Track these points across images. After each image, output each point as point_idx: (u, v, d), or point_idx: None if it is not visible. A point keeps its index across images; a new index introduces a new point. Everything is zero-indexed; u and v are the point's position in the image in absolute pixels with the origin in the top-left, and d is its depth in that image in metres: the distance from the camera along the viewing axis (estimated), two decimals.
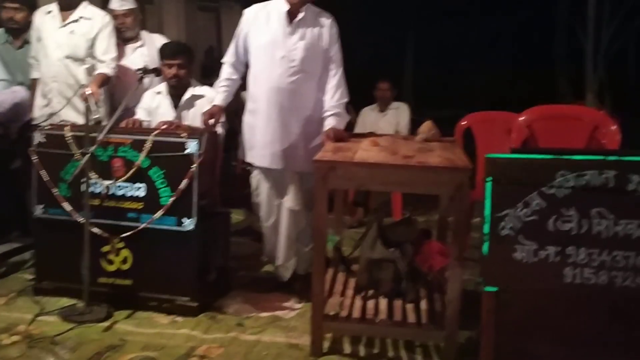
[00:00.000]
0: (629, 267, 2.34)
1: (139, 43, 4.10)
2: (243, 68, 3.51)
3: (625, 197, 2.31)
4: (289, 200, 3.42)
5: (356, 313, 2.93)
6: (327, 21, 3.36)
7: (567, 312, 2.41)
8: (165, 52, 3.63)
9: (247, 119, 3.50)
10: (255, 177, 3.52)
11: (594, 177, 2.33)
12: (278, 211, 3.48)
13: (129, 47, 4.08)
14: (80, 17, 3.77)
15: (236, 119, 6.28)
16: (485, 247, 2.44)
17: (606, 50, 5.87)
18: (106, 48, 3.78)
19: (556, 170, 2.35)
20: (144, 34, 4.22)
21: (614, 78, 6.08)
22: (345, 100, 3.44)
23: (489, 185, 2.39)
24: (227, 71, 3.49)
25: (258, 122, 3.40)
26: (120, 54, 4.00)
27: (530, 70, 10.78)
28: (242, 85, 3.64)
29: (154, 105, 3.67)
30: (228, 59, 3.49)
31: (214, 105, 3.43)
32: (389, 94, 5.36)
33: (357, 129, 5.20)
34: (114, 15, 3.98)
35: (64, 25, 3.76)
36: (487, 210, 2.41)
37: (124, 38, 4.06)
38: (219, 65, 3.60)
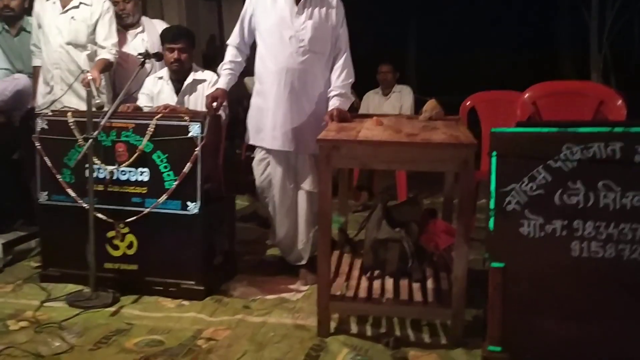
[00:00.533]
0: (637, 239, 2.33)
1: (139, 29, 4.09)
2: (248, 51, 3.48)
3: (632, 169, 2.29)
4: (307, 183, 3.39)
5: (362, 293, 2.92)
6: (333, 1, 3.34)
7: (575, 286, 2.40)
8: (166, 36, 3.62)
9: (255, 101, 3.47)
10: (263, 162, 3.47)
11: (601, 150, 2.31)
12: (293, 195, 3.46)
13: (130, 33, 4.08)
14: (81, 3, 3.75)
15: (239, 107, 6.29)
16: (491, 223, 2.43)
17: (610, 28, 5.82)
18: (107, 34, 3.77)
19: (562, 144, 2.33)
20: (145, 19, 4.21)
21: (619, 56, 6.03)
22: (351, 80, 3.41)
23: (494, 160, 2.37)
24: (231, 53, 3.46)
25: (267, 104, 3.36)
26: (122, 40, 4.00)
27: (534, 51, 10.71)
28: (245, 72, 3.62)
29: (155, 91, 3.66)
30: (232, 41, 3.46)
31: (217, 89, 3.41)
32: (390, 76, 5.32)
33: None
34: (115, 1, 3.97)
35: (65, 12, 3.74)
36: (493, 185, 2.40)
37: (124, 24, 4.05)
38: (221, 54, 3.58)
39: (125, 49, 4.01)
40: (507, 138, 2.38)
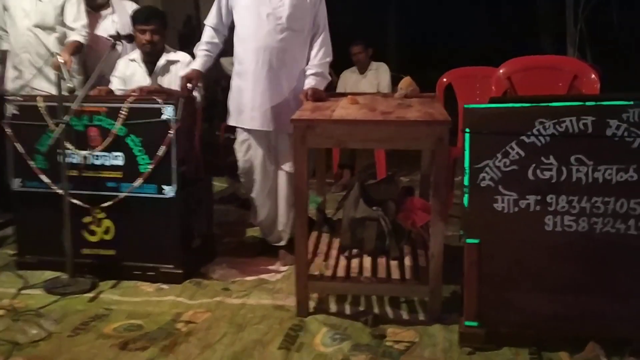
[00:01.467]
0: (609, 212, 2.35)
1: (109, 10, 4.01)
2: (226, 32, 3.43)
3: (604, 143, 2.31)
4: (287, 164, 3.37)
5: (341, 272, 2.93)
6: None
7: (549, 260, 2.42)
8: (137, 17, 3.54)
9: (235, 82, 3.42)
10: (245, 143, 3.44)
11: (573, 124, 2.31)
12: (274, 176, 3.44)
13: (100, 15, 4.00)
14: None
15: (218, 88, 6.22)
16: (465, 199, 2.44)
17: (586, 2, 5.82)
18: (76, 15, 3.70)
19: (535, 119, 2.33)
20: (115, 0, 4.12)
21: (597, 30, 6.05)
22: (329, 59, 3.38)
23: (467, 137, 2.37)
24: (208, 34, 3.41)
25: (246, 83, 3.33)
26: (92, 22, 3.92)
27: (514, 27, 10.70)
28: (223, 52, 3.57)
29: (128, 73, 3.60)
30: (210, 21, 3.40)
31: (192, 69, 3.36)
32: (363, 56, 5.28)
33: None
34: None
35: None
36: (467, 162, 2.40)
37: (94, 5, 3.97)
38: (198, 34, 3.53)
39: (95, 31, 3.94)
40: (480, 114, 2.37)
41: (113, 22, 3.96)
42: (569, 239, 2.39)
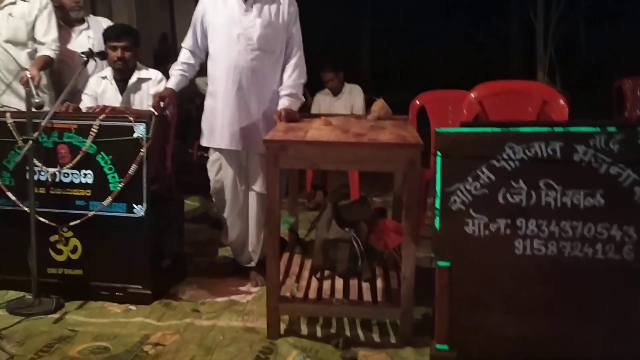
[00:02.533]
0: (577, 237, 2.38)
1: (84, 25, 3.97)
2: (202, 55, 3.42)
3: (571, 168, 2.34)
4: (258, 185, 3.35)
5: (312, 294, 2.92)
6: None
7: (519, 283, 2.44)
8: (109, 34, 3.53)
9: (208, 102, 3.42)
10: (216, 163, 3.42)
11: (542, 149, 2.35)
12: (245, 196, 3.42)
13: (75, 30, 3.96)
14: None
15: (191, 105, 6.20)
16: (437, 222, 2.45)
17: (555, 28, 5.96)
18: (46, 29, 3.65)
19: (504, 143, 2.36)
20: (91, 17, 4.10)
21: (565, 56, 6.20)
22: (302, 81, 3.39)
23: (439, 160, 2.40)
24: (184, 55, 3.41)
25: (217, 103, 3.32)
26: (66, 37, 3.89)
27: (485, 50, 10.93)
28: (198, 72, 3.56)
29: (99, 91, 3.56)
30: (186, 44, 3.41)
31: (166, 88, 3.34)
32: (336, 82, 5.29)
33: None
34: None
35: (1, 8, 3.60)
36: (438, 185, 2.42)
37: (70, 20, 3.93)
38: (173, 52, 3.53)
39: (70, 46, 3.90)
40: (451, 138, 2.40)
41: (89, 38, 3.92)
42: (538, 262, 2.42)
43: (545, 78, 5.65)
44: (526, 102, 3.40)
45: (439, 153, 2.39)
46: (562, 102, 3.33)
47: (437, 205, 2.43)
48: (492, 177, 2.38)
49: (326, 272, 3.10)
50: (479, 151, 2.37)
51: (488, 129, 2.40)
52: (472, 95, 3.48)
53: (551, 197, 2.37)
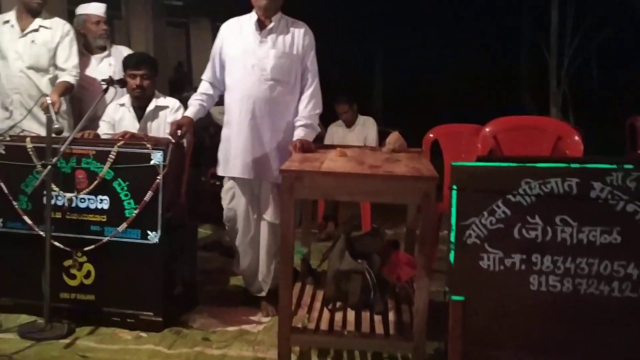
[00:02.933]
0: (593, 274, 2.36)
1: (106, 53, 4.06)
2: (221, 86, 3.47)
3: (588, 204, 2.33)
4: (269, 214, 3.37)
5: (324, 325, 2.89)
6: (300, 30, 3.35)
7: (533, 319, 2.41)
8: (129, 62, 3.60)
9: (224, 132, 3.46)
10: (230, 191, 3.45)
11: (558, 185, 2.35)
12: (256, 225, 3.43)
13: (96, 57, 4.04)
14: (40, 26, 3.70)
15: (205, 133, 6.25)
16: (451, 256, 2.44)
17: (569, 65, 6.00)
18: (68, 56, 3.72)
19: (521, 178, 2.36)
20: (112, 46, 4.18)
21: (578, 92, 6.22)
22: (318, 111, 3.42)
23: (454, 194, 2.40)
24: (203, 86, 3.47)
25: (231, 132, 3.36)
26: (86, 63, 3.96)
27: (498, 85, 10.98)
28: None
29: (117, 118, 3.62)
30: (206, 76, 3.47)
31: (184, 117, 3.39)
32: (349, 114, 5.35)
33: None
34: (97, 21, 3.96)
35: (24, 35, 3.68)
36: (453, 219, 2.41)
37: (95, 47, 4.02)
38: (188, 81, 3.58)
39: (92, 73, 3.98)
40: (467, 172, 2.40)
41: (110, 65, 4.00)
42: (553, 298, 2.39)
43: (558, 114, 5.67)
44: (541, 138, 3.41)
45: (454, 187, 2.39)
46: (577, 138, 3.34)
47: (452, 239, 2.42)
48: (508, 211, 2.37)
49: (338, 304, 3.07)
50: (495, 186, 2.37)
51: (504, 164, 2.40)
52: (487, 129, 3.49)
53: (567, 233, 2.36)
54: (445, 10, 11.29)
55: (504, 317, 2.43)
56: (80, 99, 3.98)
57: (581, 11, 6.62)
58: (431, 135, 4.15)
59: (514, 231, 2.38)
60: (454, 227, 2.42)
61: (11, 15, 3.72)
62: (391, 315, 2.98)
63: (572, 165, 2.35)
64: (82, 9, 4.03)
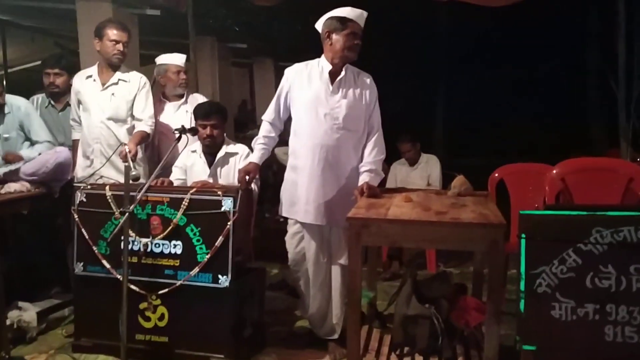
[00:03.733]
0: None
1: (182, 100, 4.26)
2: (282, 127, 3.59)
3: None
4: (341, 257, 3.43)
5: None
6: (367, 80, 3.45)
7: None
8: (199, 112, 3.73)
9: (289, 176, 3.54)
10: (297, 235, 3.52)
11: (631, 234, 2.30)
12: (327, 269, 3.49)
13: (174, 105, 4.24)
14: (119, 80, 3.92)
15: (269, 172, 6.38)
16: (521, 305, 2.42)
17: (638, 97, 5.84)
18: (144, 106, 3.92)
19: (592, 227, 2.34)
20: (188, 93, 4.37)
21: None
22: (382, 157, 3.48)
23: (523, 242, 2.39)
24: (265, 129, 3.56)
25: (301, 178, 3.44)
26: (165, 111, 4.16)
27: (563, 118, 10.76)
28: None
29: (189, 164, 3.77)
30: (268, 116, 3.56)
31: (250, 163, 3.49)
32: (413, 153, 5.36)
33: (389, 183, 5.22)
34: (177, 70, 4.17)
35: (105, 89, 3.91)
36: (522, 267, 2.40)
37: (173, 95, 4.23)
38: (252, 119, 3.69)
39: (169, 120, 4.17)
40: (535, 220, 2.39)
41: (187, 112, 4.18)
42: (630, 350, 2.33)
43: (629, 149, 5.51)
44: (611, 180, 3.34)
45: (523, 235, 2.38)
46: None
47: (522, 287, 2.41)
48: (579, 260, 2.34)
49: (406, 349, 3.07)
50: (565, 234, 2.35)
51: (574, 212, 2.38)
52: (555, 171, 3.45)
53: None
54: (508, 44, 11.21)
55: None
56: (158, 144, 4.19)
57: None
58: (497, 174, 4.12)
59: (586, 280, 2.35)
60: (523, 276, 2.40)
61: (93, 70, 3.96)
62: None
63: None
64: (163, 59, 4.25)
